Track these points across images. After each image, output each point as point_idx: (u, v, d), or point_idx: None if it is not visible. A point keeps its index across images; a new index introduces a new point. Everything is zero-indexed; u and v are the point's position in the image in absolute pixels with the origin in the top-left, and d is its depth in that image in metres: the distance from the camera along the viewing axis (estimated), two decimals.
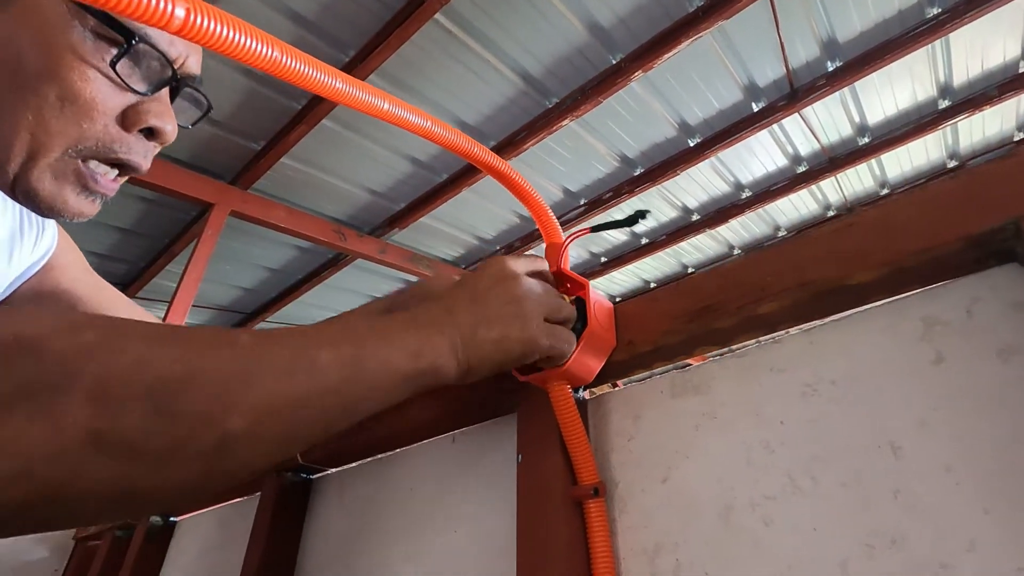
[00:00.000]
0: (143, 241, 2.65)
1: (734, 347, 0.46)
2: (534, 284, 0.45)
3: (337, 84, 0.39)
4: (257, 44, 0.34)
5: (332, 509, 0.77)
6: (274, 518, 0.76)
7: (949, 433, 0.35)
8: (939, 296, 0.38)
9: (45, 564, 1.30)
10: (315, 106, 1.92)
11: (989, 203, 0.34)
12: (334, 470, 0.80)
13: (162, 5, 0.29)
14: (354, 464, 0.78)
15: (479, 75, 1.95)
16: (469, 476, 0.61)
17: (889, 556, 0.34)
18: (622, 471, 0.49)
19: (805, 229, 3.03)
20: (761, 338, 0.45)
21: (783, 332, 0.45)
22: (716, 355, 0.47)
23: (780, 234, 3.17)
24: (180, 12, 0.30)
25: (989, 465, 0.33)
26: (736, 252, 3.31)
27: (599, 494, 0.46)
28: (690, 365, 0.49)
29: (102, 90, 0.41)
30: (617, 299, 0.48)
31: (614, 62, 1.91)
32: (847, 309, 0.41)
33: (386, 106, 0.43)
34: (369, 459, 0.76)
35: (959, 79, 2.22)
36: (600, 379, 0.52)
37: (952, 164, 2.70)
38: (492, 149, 2.34)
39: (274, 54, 0.35)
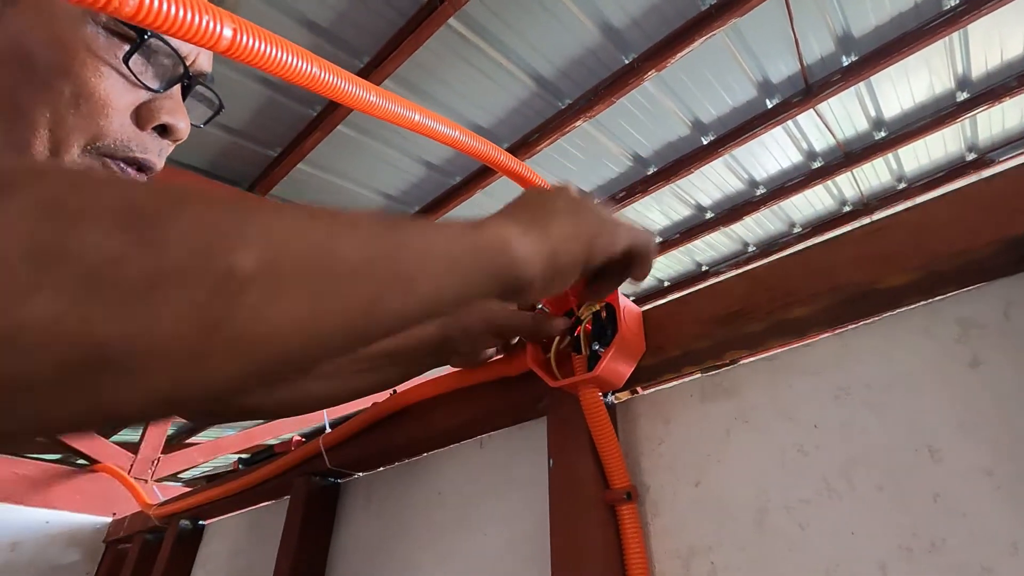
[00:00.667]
0: None
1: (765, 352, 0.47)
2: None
3: (372, 98, 0.40)
4: (298, 61, 0.35)
5: (360, 513, 0.78)
6: (304, 521, 0.77)
7: (988, 436, 0.35)
8: (974, 298, 0.38)
9: (76, 568, 1.33)
10: (330, 112, 1.94)
11: None
12: (362, 474, 0.81)
13: (211, 26, 0.30)
14: (381, 468, 0.79)
15: (492, 78, 1.96)
16: (498, 480, 0.62)
17: (928, 559, 0.34)
18: (653, 475, 0.49)
19: (830, 231, 3.00)
20: (792, 343, 0.46)
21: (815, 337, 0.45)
22: (747, 360, 0.48)
23: (795, 231, 3.14)
24: (228, 32, 0.31)
25: None
26: (751, 249, 3.29)
27: (632, 498, 0.46)
28: (720, 369, 0.49)
29: (116, 87, 0.40)
30: (631, 298, 0.48)
31: (627, 62, 1.91)
32: (880, 313, 0.41)
33: (417, 117, 0.44)
34: (397, 463, 0.77)
35: (977, 71, 2.19)
36: (629, 383, 0.53)
37: (971, 157, 2.66)
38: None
39: (313, 70, 0.36)
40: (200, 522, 1.09)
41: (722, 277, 0.47)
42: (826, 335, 0.44)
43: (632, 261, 0.43)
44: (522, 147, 2.17)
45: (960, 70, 2.19)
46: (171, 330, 0.20)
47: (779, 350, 0.46)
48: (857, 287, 0.39)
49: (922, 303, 0.40)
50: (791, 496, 0.41)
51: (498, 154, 0.52)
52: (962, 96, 2.29)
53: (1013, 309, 0.36)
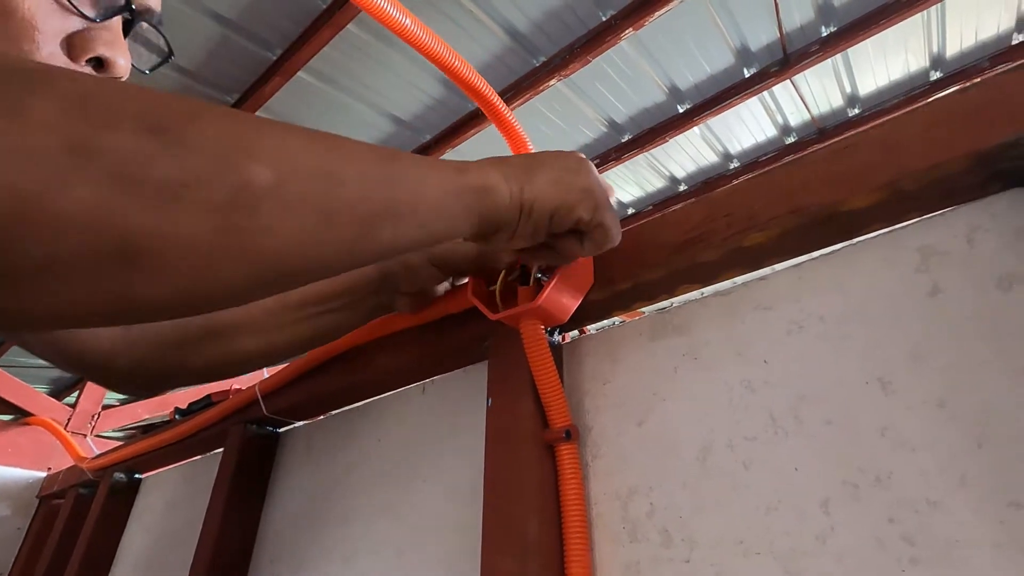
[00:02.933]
0: None
1: (719, 285, 0.44)
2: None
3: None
4: None
5: (299, 462, 0.74)
6: (237, 470, 0.73)
7: (944, 366, 0.32)
8: (937, 225, 0.36)
9: (8, 523, 1.26)
10: (290, 56, 1.83)
11: (1001, 116, 0.31)
12: (301, 423, 0.77)
13: None
14: (321, 417, 0.75)
15: (465, 29, 1.87)
16: (439, 426, 0.59)
17: (873, 494, 0.32)
18: (597, 415, 0.46)
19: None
20: (747, 275, 0.43)
21: (770, 269, 0.42)
22: (698, 294, 0.45)
23: None
24: None
25: (986, 397, 0.30)
26: None
27: (571, 437, 0.43)
28: (672, 305, 0.46)
29: (42, 7, 0.37)
30: None
31: (604, 19, 1.84)
32: (839, 240, 0.38)
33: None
34: (337, 411, 0.73)
35: (952, 49, 2.19)
36: (577, 322, 0.49)
37: None
38: (475, 109, 2.27)
39: None
40: (136, 475, 1.04)
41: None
42: (782, 267, 0.41)
43: (590, 235, 0.39)
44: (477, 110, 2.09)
45: (935, 48, 2.19)
46: (191, 230, 0.21)
47: (733, 283, 0.43)
48: (820, 209, 0.36)
49: (883, 231, 0.37)
50: (736, 434, 0.38)
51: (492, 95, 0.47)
52: (935, 75, 2.30)
53: (978, 234, 0.34)
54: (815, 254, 0.40)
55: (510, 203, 0.35)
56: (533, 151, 0.40)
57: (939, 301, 0.34)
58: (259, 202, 0.23)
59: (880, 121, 0.36)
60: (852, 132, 0.37)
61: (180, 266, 0.22)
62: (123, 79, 0.42)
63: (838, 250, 0.39)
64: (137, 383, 0.48)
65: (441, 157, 2.29)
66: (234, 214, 0.22)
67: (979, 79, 0.33)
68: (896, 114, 0.35)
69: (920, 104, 0.35)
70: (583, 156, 0.40)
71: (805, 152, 0.38)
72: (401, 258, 0.50)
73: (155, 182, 0.21)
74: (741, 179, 0.41)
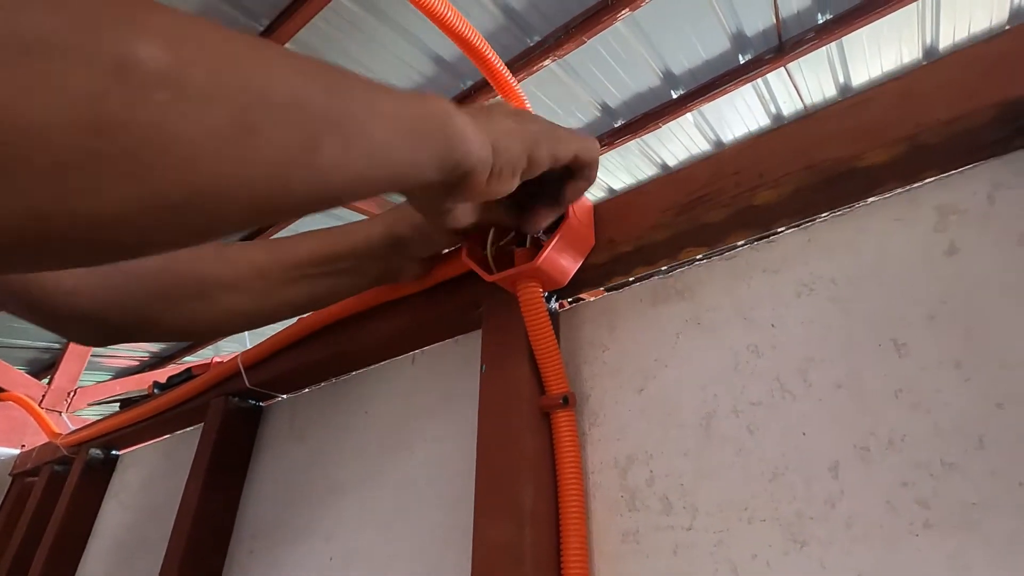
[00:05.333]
0: None
1: (724, 249, 0.42)
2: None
3: None
4: None
5: (283, 437, 0.72)
6: (218, 445, 0.70)
7: (961, 327, 0.31)
8: (956, 183, 0.34)
9: None
10: (278, 27, 1.77)
11: None
12: (286, 396, 0.75)
13: None
14: (307, 390, 0.73)
15: (459, 5, 1.83)
16: (429, 397, 0.57)
17: (886, 457, 0.31)
18: (595, 383, 0.45)
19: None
20: (755, 238, 0.41)
21: (779, 232, 0.40)
22: (704, 258, 0.43)
23: None
24: None
25: (1005, 358, 0.29)
26: None
27: (568, 404, 0.41)
28: (675, 270, 0.44)
29: None
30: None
31: None
32: (854, 200, 0.37)
33: None
34: (323, 384, 0.70)
35: (945, 41, 2.20)
36: (576, 287, 0.47)
37: None
38: (469, 89, 2.22)
39: None
40: (113, 452, 1.01)
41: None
42: (791, 230, 0.40)
43: (577, 170, 0.38)
44: (486, 86, 2.06)
45: (929, 40, 2.20)
46: (46, 112, 0.15)
47: (739, 247, 0.42)
48: (834, 165, 0.35)
49: (899, 190, 0.36)
50: (741, 399, 0.37)
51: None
52: None
53: (999, 192, 0.32)
54: (825, 215, 0.38)
55: (475, 134, 0.30)
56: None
57: (957, 260, 0.32)
58: (148, 89, 0.17)
59: (901, 77, 0.34)
60: (871, 88, 0.35)
61: (23, 168, 0.16)
62: None
63: (849, 211, 0.38)
64: (99, 332, 0.42)
65: None
66: (111, 100, 0.17)
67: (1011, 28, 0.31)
68: (916, 67, 0.33)
69: (941, 56, 0.33)
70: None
71: (819, 109, 0.36)
72: (413, 217, 0.46)
73: None
74: (751, 138, 0.39)
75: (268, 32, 1.81)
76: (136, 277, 0.43)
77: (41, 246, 0.19)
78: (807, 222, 0.39)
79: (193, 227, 0.22)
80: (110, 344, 0.46)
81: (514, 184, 0.35)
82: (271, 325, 0.51)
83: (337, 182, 0.24)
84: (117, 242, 0.20)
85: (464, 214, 0.38)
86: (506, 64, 2.07)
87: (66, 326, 0.42)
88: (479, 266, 0.45)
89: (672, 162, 2.79)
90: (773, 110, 2.51)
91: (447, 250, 0.52)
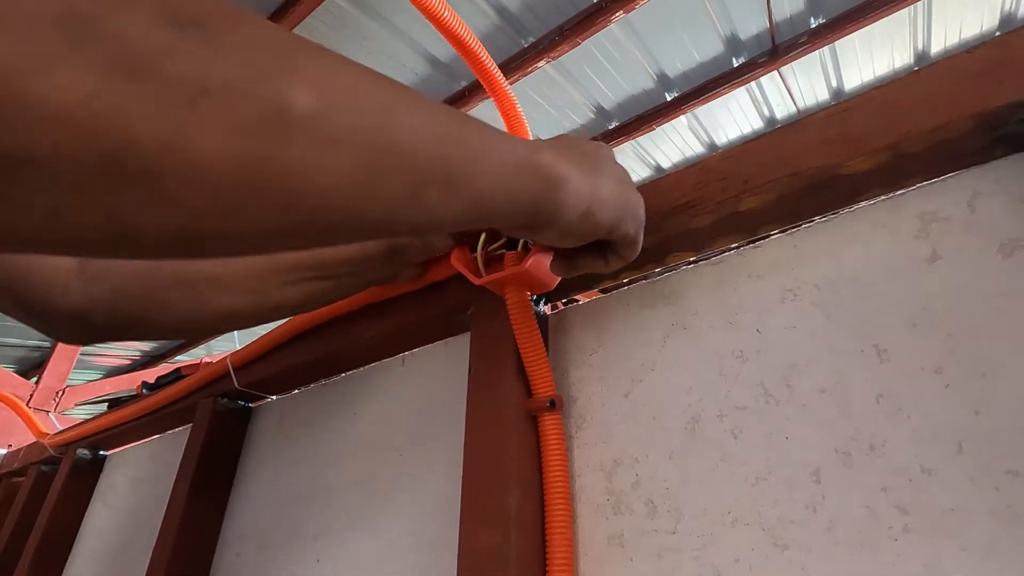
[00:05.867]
0: None
1: (710, 254, 0.42)
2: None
3: None
4: None
5: (272, 436, 0.71)
6: (206, 447, 0.70)
7: (941, 333, 0.31)
8: (938, 191, 0.35)
9: None
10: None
11: (1009, 76, 0.30)
12: (275, 397, 0.74)
13: None
14: (296, 391, 0.72)
15: (454, 6, 1.83)
16: (418, 399, 0.57)
17: (866, 462, 0.31)
18: (582, 386, 0.45)
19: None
20: (740, 244, 0.41)
21: (764, 237, 0.41)
22: (690, 263, 0.43)
23: None
24: None
25: (985, 364, 0.30)
26: None
27: (555, 407, 0.42)
28: (661, 275, 0.44)
29: None
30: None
31: (595, 0, 1.82)
32: (838, 206, 0.37)
33: None
34: (313, 385, 0.70)
35: (936, 47, 2.22)
36: (563, 291, 0.48)
37: None
38: (463, 89, 2.22)
39: None
40: (101, 452, 1.00)
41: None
42: (776, 235, 0.40)
43: (620, 253, 0.37)
44: (480, 87, 2.06)
45: (920, 45, 2.21)
46: (207, 147, 0.18)
47: (725, 252, 0.42)
48: (818, 173, 0.35)
49: (882, 198, 0.36)
50: (726, 404, 0.37)
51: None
52: None
53: (979, 200, 0.33)
54: (810, 221, 0.39)
55: (575, 202, 0.31)
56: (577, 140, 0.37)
57: (938, 267, 0.33)
58: (295, 131, 0.19)
59: (880, 86, 0.35)
60: (852, 97, 0.36)
61: (187, 193, 0.18)
62: None
63: (833, 218, 0.38)
64: (87, 329, 0.42)
65: None
66: (263, 139, 0.19)
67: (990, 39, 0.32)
68: (898, 79, 0.34)
69: (924, 66, 0.33)
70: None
71: (805, 117, 0.37)
72: None
73: (171, 81, 0.17)
74: (735, 146, 0.40)
75: None
76: (130, 277, 0.42)
77: (189, 253, 0.21)
78: (792, 228, 0.39)
79: (308, 245, 0.24)
80: (98, 343, 0.46)
81: (581, 243, 0.35)
82: (262, 325, 0.51)
83: (434, 222, 0.26)
84: (248, 250, 0.23)
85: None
86: (500, 65, 2.07)
87: (57, 325, 0.42)
88: (468, 269, 0.45)
89: (666, 164, 2.80)
90: (766, 113, 2.53)
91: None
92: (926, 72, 0.33)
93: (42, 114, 0.15)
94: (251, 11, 0.20)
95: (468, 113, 0.28)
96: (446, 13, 0.46)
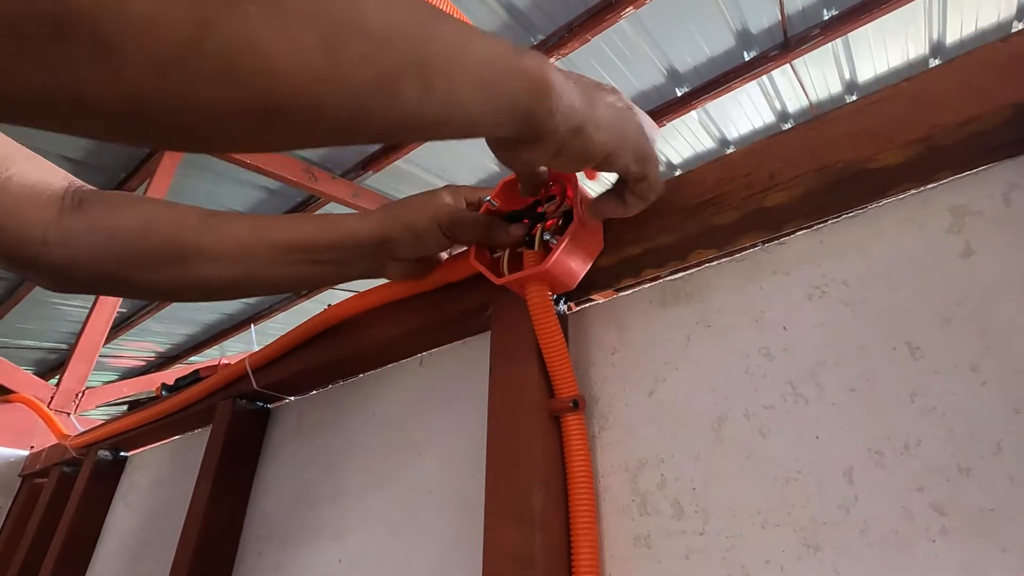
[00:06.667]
0: (96, 174, 2.48)
1: (734, 252, 0.42)
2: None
3: None
4: None
5: (290, 439, 0.72)
6: (226, 447, 0.70)
7: (977, 330, 0.31)
8: (971, 185, 0.34)
9: None
10: None
11: None
12: (293, 398, 0.75)
13: None
14: (314, 392, 0.73)
15: (462, 4, 1.82)
16: (437, 399, 0.57)
17: (900, 462, 0.31)
18: (604, 386, 0.44)
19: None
20: (765, 240, 0.41)
21: (790, 233, 0.40)
22: (714, 260, 0.43)
23: None
24: None
25: (1023, 361, 0.29)
26: None
27: (578, 407, 0.41)
28: (684, 272, 0.44)
29: None
30: None
31: None
32: (867, 201, 0.37)
33: None
34: (331, 386, 0.70)
35: (952, 37, 2.18)
36: (584, 290, 0.47)
37: None
38: None
39: None
40: (122, 453, 1.01)
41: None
42: (801, 232, 0.39)
43: (636, 192, 0.37)
44: None
45: (935, 35, 2.18)
46: (148, 6, 0.17)
47: (749, 249, 0.41)
48: (846, 167, 0.34)
49: (912, 192, 0.36)
50: (753, 402, 0.37)
51: None
52: (935, 63, 2.28)
53: (1015, 193, 0.32)
54: (837, 217, 0.38)
55: (564, 111, 0.29)
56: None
57: (972, 262, 0.32)
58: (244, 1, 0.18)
59: (912, 77, 0.34)
60: (882, 89, 0.35)
61: (128, 54, 0.17)
62: None
63: (861, 212, 0.37)
64: (69, 281, 0.43)
65: None
66: (209, 3, 0.18)
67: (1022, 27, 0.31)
68: (931, 68, 0.33)
69: (954, 56, 0.33)
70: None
71: (831, 110, 0.36)
72: (406, 220, 0.46)
73: None
74: (760, 140, 0.39)
75: None
76: (117, 237, 0.43)
77: (140, 128, 0.20)
78: (819, 223, 0.39)
79: (277, 136, 0.23)
80: (76, 293, 0.47)
81: (578, 169, 0.34)
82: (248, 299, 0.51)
83: (413, 120, 0.25)
84: (206, 137, 0.21)
85: (525, 166, 0.37)
86: None
87: (37, 272, 0.43)
88: (487, 268, 0.45)
89: (676, 160, 2.78)
90: (778, 107, 2.50)
91: (445, 253, 0.52)
92: (958, 62, 0.32)
93: None
94: None
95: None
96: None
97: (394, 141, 0.27)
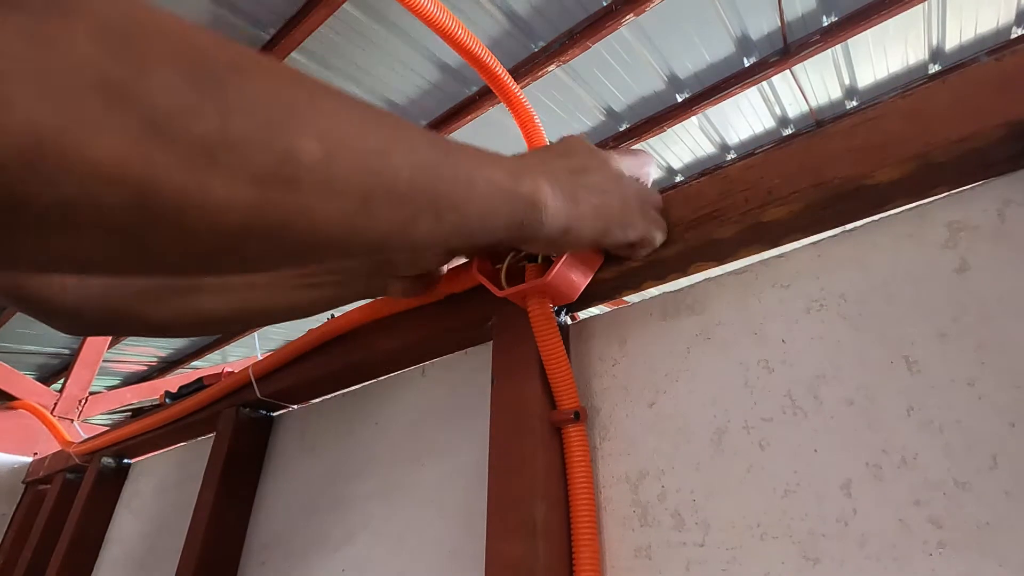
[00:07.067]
0: None
1: (734, 265, 0.42)
2: (626, 164, 0.41)
3: None
4: None
5: (294, 446, 0.72)
6: (229, 456, 0.71)
7: (972, 344, 0.31)
8: (967, 200, 0.34)
9: None
10: (284, 36, 1.78)
11: None
12: (296, 407, 0.75)
13: None
14: (317, 401, 0.73)
15: (464, 12, 1.83)
16: (440, 409, 0.57)
17: (898, 476, 0.31)
18: (605, 397, 0.45)
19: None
20: (764, 254, 0.41)
21: (788, 247, 0.41)
22: (714, 273, 0.43)
23: None
24: None
25: (1019, 376, 0.29)
26: None
27: (580, 419, 0.42)
28: (684, 284, 0.44)
29: None
30: None
31: (605, 3, 1.81)
32: (864, 216, 0.37)
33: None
34: (333, 395, 0.71)
35: (951, 43, 2.18)
36: (584, 301, 0.48)
37: None
38: (474, 94, 2.22)
39: None
40: (125, 460, 1.02)
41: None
42: (801, 245, 0.40)
43: (630, 251, 0.42)
44: (489, 92, 2.06)
45: (935, 41, 2.18)
46: (223, 196, 0.20)
47: (749, 261, 0.42)
48: (844, 183, 0.35)
49: (908, 206, 0.36)
50: (752, 415, 0.37)
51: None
52: (934, 68, 2.29)
53: (1010, 208, 0.33)
54: (835, 231, 0.39)
55: (553, 223, 0.34)
56: (569, 144, 0.40)
57: (968, 278, 0.32)
58: (302, 178, 0.21)
59: (906, 93, 0.34)
60: (877, 105, 0.35)
61: (202, 233, 0.20)
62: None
63: (859, 227, 0.38)
64: (81, 323, 0.44)
65: None
66: (273, 187, 0.21)
67: (1017, 47, 0.31)
68: (924, 84, 0.34)
69: (952, 73, 0.33)
70: (616, 163, 0.39)
71: (827, 125, 0.37)
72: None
73: (194, 139, 0.18)
74: (757, 154, 0.39)
75: (274, 42, 1.82)
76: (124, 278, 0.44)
77: (202, 274, 0.25)
78: (817, 238, 0.39)
79: (289, 267, 0.27)
80: (93, 335, 0.49)
81: (570, 251, 0.39)
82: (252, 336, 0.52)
83: (422, 245, 0.28)
84: (249, 271, 0.25)
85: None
86: (511, 70, 2.07)
87: (54, 316, 0.44)
88: (489, 280, 0.46)
89: (677, 165, 2.78)
90: (779, 112, 2.50)
91: (445, 265, 0.52)
92: (952, 80, 0.33)
93: (80, 171, 0.17)
94: (263, 58, 0.22)
95: (454, 140, 0.31)
96: (460, 31, 0.46)
97: (402, 255, 0.30)
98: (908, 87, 2.35)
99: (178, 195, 0.19)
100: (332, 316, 0.64)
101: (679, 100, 2.31)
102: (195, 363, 3.98)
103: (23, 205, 0.16)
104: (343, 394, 0.70)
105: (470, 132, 2.32)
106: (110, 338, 1.65)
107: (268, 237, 0.22)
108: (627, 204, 0.38)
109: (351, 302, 0.52)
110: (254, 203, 0.20)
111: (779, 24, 1.98)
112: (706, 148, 2.69)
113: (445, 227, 0.28)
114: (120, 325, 0.46)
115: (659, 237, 0.41)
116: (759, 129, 2.59)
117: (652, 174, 0.44)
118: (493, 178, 0.30)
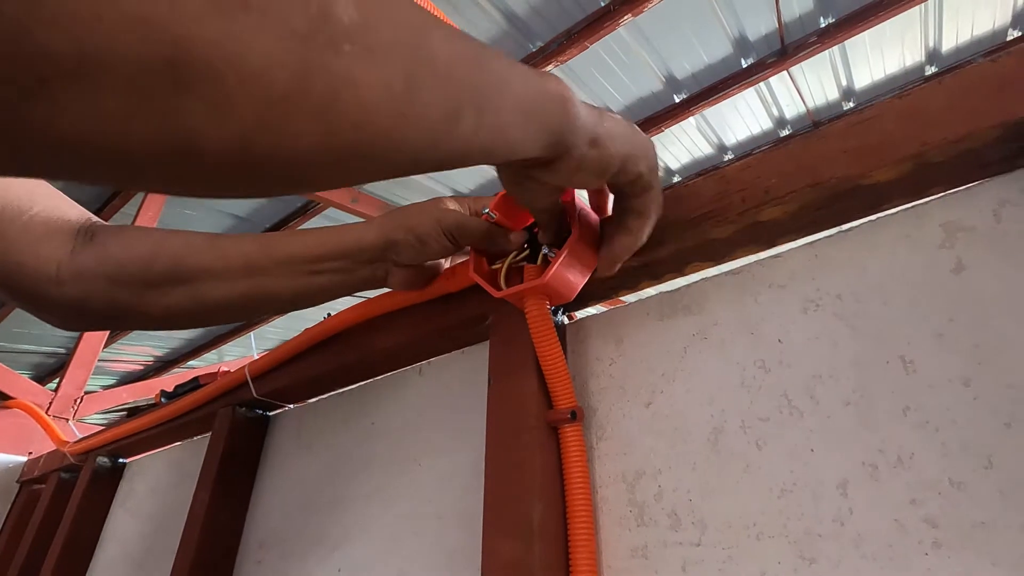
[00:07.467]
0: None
1: (731, 264, 0.42)
2: None
3: None
4: None
5: (289, 447, 0.72)
6: (225, 455, 0.71)
7: (968, 344, 0.31)
8: (962, 200, 0.34)
9: None
10: None
11: None
12: (293, 406, 0.75)
13: None
14: (313, 400, 0.73)
15: (460, 12, 1.83)
16: (437, 409, 0.57)
17: (894, 475, 0.31)
18: (601, 396, 0.45)
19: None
20: (761, 254, 0.41)
21: (785, 247, 0.41)
22: (710, 273, 0.43)
23: None
24: None
25: (1014, 376, 0.29)
26: None
27: (576, 418, 0.42)
28: (680, 283, 0.44)
29: None
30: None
31: (603, 4, 1.81)
32: (860, 216, 0.37)
33: None
34: (330, 394, 0.71)
35: (948, 44, 2.19)
36: (581, 302, 0.48)
37: None
38: None
39: None
40: (121, 460, 1.01)
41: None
42: (797, 245, 0.40)
43: (636, 205, 0.38)
44: None
45: (932, 43, 2.19)
46: (265, 51, 0.18)
47: (745, 262, 0.42)
48: (840, 183, 0.35)
49: (904, 207, 0.36)
50: (749, 415, 0.37)
51: None
52: (931, 70, 2.30)
53: (1005, 209, 0.33)
54: (831, 231, 0.39)
55: (583, 125, 0.32)
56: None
57: (964, 278, 0.33)
58: (342, 40, 0.20)
59: (902, 93, 0.35)
60: (873, 106, 0.35)
61: (243, 97, 0.18)
62: None
63: (856, 227, 0.38)
64: (82, 318, 0.43)
65: None
66: (314, 47, 0.19)
67: (1012, 48, 0.31)
68: (920, 85, 0.34)
69: (948, 74, 0.33)
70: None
71: (824, 125, 0.37)
72: (410, 224, 0.47)
73: None
74: (754, 154, 0.39)
75: None
76: (126, 266, 0.44)
77: (243, 176, 0.21)
78: (814, 238, 0.39)
79: (360, 171, 0.24)
80: (90, 330, 0.48)
81: (598, 183, 0.36)
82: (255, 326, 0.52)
83: (465, 149, 0.26)
84: (299, 179, 0.23)
85: (545, 195, 0.38)
86: None
87: (52, 312, 0.43)
88: (487, 281, 0.45)
89: (675, 165, 2.79)
90: (776, 113, 2.51)
91: (447, 261, 0.52)
92: (948, 81, 0.33)
93: (98, 17, 0.15)
94: None
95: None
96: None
97: (438, 170, 0.28)
98: (905, 88, 2.36)
99: (211, 47, 0.17)
100: (328, 315, 0.64)
101: (677, 101, 2.31)
102: (191, 362, 3.97)
103: (44, 59, 0.15)
104: (340, 393, 0.69)
105: None
106: (106, 337, 1.65)
107: (315, 113, 0.20)
108: (648, 141, 0.37)
109: (354, 292, 0.52)
110: (297, 66, 0.19)
111: (777, 25, 1.99)
112: (703, 149, 2.69)
113: (485, 127, 0.26)
114: (123, 318, 0.45)
115: (661, 200, 0.40)
116: (756, 130, 2.59)
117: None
118: (525, 74, 0.29)
